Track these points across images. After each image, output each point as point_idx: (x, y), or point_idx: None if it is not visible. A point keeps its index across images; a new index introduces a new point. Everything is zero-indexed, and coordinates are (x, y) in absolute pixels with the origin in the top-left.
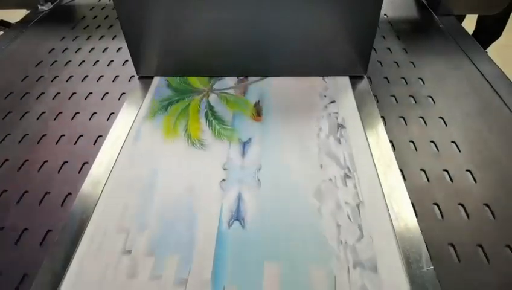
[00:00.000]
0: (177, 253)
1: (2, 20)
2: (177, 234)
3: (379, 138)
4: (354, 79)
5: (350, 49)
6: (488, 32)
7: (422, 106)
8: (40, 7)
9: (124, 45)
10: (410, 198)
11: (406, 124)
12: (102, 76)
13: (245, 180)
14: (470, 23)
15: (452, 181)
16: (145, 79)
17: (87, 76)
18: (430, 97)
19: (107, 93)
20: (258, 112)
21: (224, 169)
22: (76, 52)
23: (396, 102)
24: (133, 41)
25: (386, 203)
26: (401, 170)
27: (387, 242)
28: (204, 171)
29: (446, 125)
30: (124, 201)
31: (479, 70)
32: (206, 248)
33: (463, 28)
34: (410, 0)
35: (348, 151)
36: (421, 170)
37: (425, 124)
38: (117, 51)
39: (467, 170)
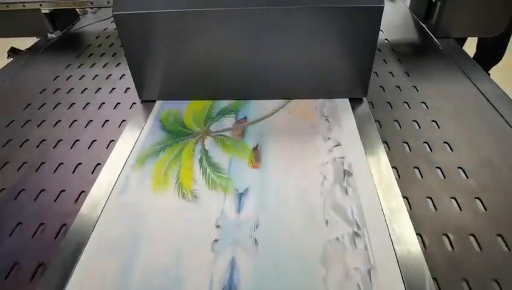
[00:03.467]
0: None
1: (12, 47)
2: None
3: (380, 162)
4: (354, 102)
5: (350, 72)
6: (489, 55)
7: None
8: (49, 35)
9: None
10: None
11: (410, 150)
12: (103, 103)
13: (240, 241)
14: (471, 47)
15: (461, 209)
16: (147, 103)
17: (88, 103)
18: (435, 122)
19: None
20: (256, 157)
21: (218, 226)
22: (80, 79)
23: (400, 127)
24: (135, 67)
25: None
26: (405, 197)
27: None
28: (195, 230)
29: (452, 151)
30: (103, 268)
31: (479, 90)
32: None
33: (462, 49)
34: (410, 24)
35: (357, 203)
36: (427, 197)
37: (431, 150)
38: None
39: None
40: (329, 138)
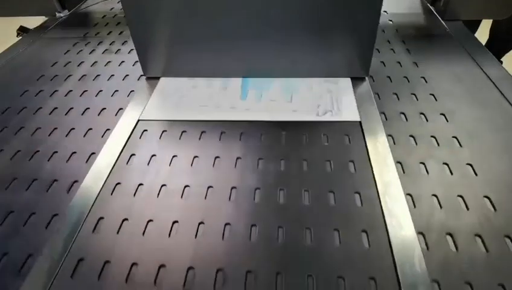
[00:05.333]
0: None
1: (21, 26)
2: None
3: (377, 138)
4: (356, 80)
5: (352, 51)
6: (502, 41)
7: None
8: (57, 14)
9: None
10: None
11: (416, 144)
12: (101, 90)
13: None
14: (483, 34)
15: (468, 209)
16: (150, 81)
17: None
18: (443, 115)
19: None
20: None
21: None
22: (79, 65)
23: (406, 120)
24: (140, 45)
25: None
26: (409, 194)
27: None
28: None
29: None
30: None
31: (485, 73)
32: None
33: (470, 33)
34: (417, 7)
35: None
36: (433, 195)
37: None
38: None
39: (485, 196)
40: None
